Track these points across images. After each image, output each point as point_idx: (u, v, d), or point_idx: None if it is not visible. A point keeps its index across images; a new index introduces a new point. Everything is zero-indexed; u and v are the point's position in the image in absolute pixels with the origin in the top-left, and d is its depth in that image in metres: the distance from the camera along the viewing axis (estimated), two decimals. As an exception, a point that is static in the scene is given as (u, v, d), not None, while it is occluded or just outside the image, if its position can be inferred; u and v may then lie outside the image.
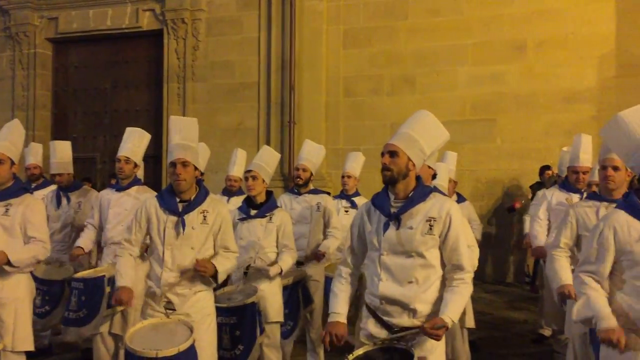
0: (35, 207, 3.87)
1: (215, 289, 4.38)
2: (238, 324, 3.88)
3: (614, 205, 3.00)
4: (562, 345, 4.86)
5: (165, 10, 10.81)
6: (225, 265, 3.51)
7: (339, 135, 10.05)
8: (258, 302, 4.04)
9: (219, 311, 3.88)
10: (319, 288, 5.23)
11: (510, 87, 9.29)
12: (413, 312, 2.82)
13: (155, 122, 11.09)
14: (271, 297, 4.28)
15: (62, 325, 4.79)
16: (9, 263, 3.61)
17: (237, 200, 5.50)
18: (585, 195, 4.82)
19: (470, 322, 5.03)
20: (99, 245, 5.15)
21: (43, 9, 11.68)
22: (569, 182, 5.12)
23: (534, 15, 9.19)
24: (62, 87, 12.09)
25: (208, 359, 3.43)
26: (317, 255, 5.16)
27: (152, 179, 9.62)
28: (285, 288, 4.63)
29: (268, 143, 9.76)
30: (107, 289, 4.43)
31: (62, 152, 5.66)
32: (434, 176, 3.88)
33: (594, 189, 4.38)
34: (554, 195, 5.16)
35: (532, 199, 8.23)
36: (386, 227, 2.88)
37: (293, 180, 5.53)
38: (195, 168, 3.49)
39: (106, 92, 11.73)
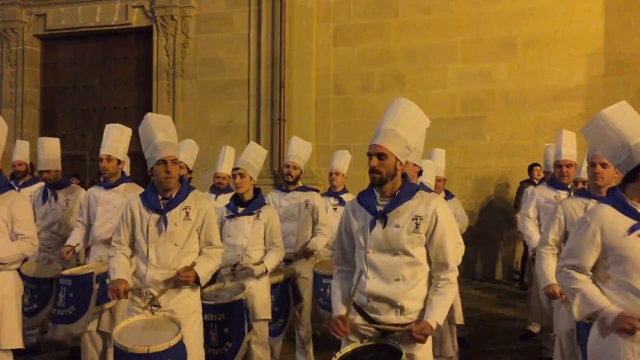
0: (20, 203, 3.84)
1: (203, 286, 4.39)
2: (226, 321, 3.87)
3: None
4: (551, 341, 4.89)
5: (154, 7, 10.76)
6: (206, 268, 3.51)
7: (329, 133, 10.05)
8: (246, 299, 4.04)
9: (207, 308, 3.88)
10: (307, 285, 5.24)
11: (500, 84, 9.33)
12: (400, 309, 2.83)
13: (145, 119, 11.03)
14: (259, 294, 4.28)
15: (50, 322, 4.75)
16: None
17: (225, 198, 5.49)
18: (572, 191, 4.88)
19: (459, 319, 5.05)
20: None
21: (31, 6, 11.59)
22: (556, 179, 5.16)
23: (523, 14, 9.23)
24: (51, 84, 12.00)
25: (194, 356, 3.42)
26: (305, 253, 5.17)
27: (143, 176, 9.57)
28: (275, 286, 4.64)
29: (258, 140, 9.77)
30: (96, 286, 4.41)
31: (50, 148, 5.61)
32: (419, 173, 3.88)
33: (581, 185, 4.42)
34: (543, 193, 5.19)
35: (516, 195, 8.30)
36: (372, 225, 2.88)
37: (283, 178, 5.53)
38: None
39: (95, 90, 11.66)
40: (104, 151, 4.76)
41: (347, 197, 5.83)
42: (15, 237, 3.76)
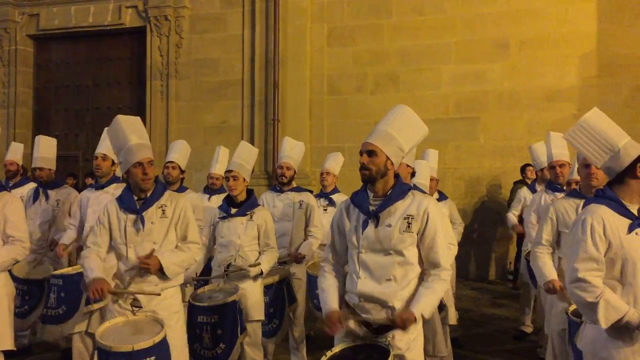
0: (13, 204, 3.82)
1: (196, 287, 4.39)
2: (219, 322, 3.86)
3: None
4: (546, 340, 4.90)
5: (148, 8, 10.73)
6: (173, 258, 3.47)
7: (323, 133, 10.05)
8: (239, 300, 4.02)
9: (200, 310, 3.89)
10: (301, 286, 5.24)
11: (493, 85, 9.35)
12: (391, 309, 2.83)
13: (139, 119, 11.01)
14: (252, 295, 4.27)
15: (40, 323, 4.73)
16: None
17: (219, 198, 5.49)
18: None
19: (452, 319, 5.07)
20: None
21: (24, 5, 11.54)
22: (552, 182, 5.21)
23: (516, 15, 9.25)
24: (44, 84, 11.95)
25: (178, 356, 3.43)
26: (297, 258, 5.16)
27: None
28: (270, 287, 4.64)
29: (252, 141, 9.76)
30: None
31: (47, 147, 5.61)
32: (412, 174, 3.89)
33: (574, 186, 4.44)
34: (542, 198, 5.29)
35: (510, 196, 8.32)
36: (365, 225, 2.89)
37: (277, 179, 5.53)
38: None
39: (88, 90, 11.62)
40: (100, 149, 4.78)
41: (338, 198, 5.84)
42: (7, 238, 3.75)
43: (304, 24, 10.07)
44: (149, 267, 3.38)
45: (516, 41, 9.26)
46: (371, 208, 2.89)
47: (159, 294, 3.40)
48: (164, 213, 3.50)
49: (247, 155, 4.54)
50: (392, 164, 2.87)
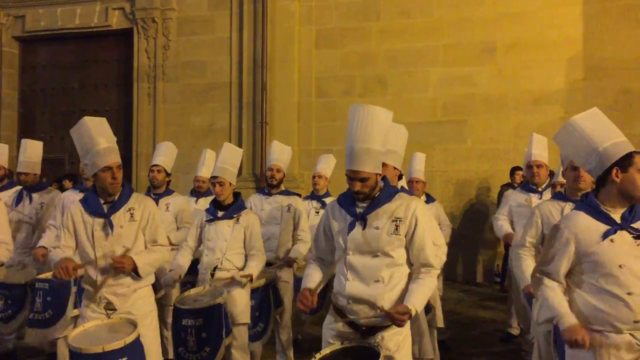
0: (-3, 207, 3.78)
1: (182, 291, 4.36)
2: (204, 325, 3.84)
3: None
4: (530, 344, 4.91)
5: (135, 9, 10.68)
6: (146, 257, 3.47)
7: (311, 136, 10.04)
8: (225, 303, 4.00)
9: (185, 313, 3.86)
10: (288, 290, 5.23)
11: (481, 88, 9.39)
12: (380, 310, 2.85)
13: (125, 122, 10.96)
14: (238, 298, 4.24)
15: (26, 327, 4.68)
16: None
17: (206, 201, 5.46)
18: (543, 194, 5.01)
19: (439, 322, 5.08)
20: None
21: (9, 7, 11.45)
22: (528, 181, 5.25)
23: (503, 18, 9.30)
24: (29, 86, 11.86)
25: (153, 355, 3.43)
26: (288, 263, 5.15)
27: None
28: (256, 290, 4.60)
29: (240, 144, 9.73)
30: (73, 289, 4.35)
31: (33, 151, 5.55)
32: (400, 177, 3.89)
33: (559, 189, 4.46)
34: (515, 197, 5.31)
35: (498, 199, 8.36)
36: (352, 227, 2.90)
37: (266, 181, 5.51)
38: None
39: (75, 92, 11.54)
40: None
41: (330, 201, 5.82)
42: None
43: (292, 26, 10.07)
44: (123, 266, 3.35)
45: (503, 44, 9.31)
46: (358, 210, 2.91)
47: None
48: (132, 216, 3.47)
49: (231, 158, 4.49)
50: (380, 174, 2.88)
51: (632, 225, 2.65)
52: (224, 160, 4.41)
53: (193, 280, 4.70)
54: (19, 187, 5.74)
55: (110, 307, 3.38)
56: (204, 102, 10.51)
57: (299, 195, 5.62)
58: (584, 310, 2.68)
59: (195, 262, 4.64)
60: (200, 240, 4.46)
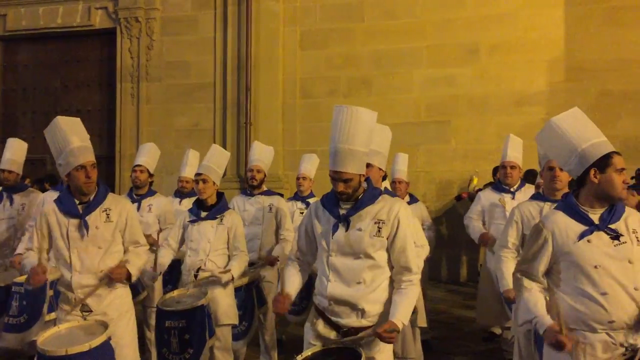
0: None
1: (165, 292, 4.34)
2: (187, 327, 3.82)
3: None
4: (509, 343, 4.96)
5: (118, 9, 10.61)
6: (137, 264, 3.50)
7: (296, 137, 10.04)
8: (208, 304, 3.98)
9: (168, 314, 3.84)
10: (272, 289, 5.21)
11: (464, 89, 9.45)
12: (361, 312, 2.86)
13: (108, 122, 10.88)
14: (222, 299, 4.23)
15: (2, 331, 4.62)
16: None
17: (190, 202, 5.43)
18: (516, 194, 5.08)
19: (422, 322, 5.09)
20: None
21: (-9, 6, 11.32)
22: (500, 181, 5.30)
23: (486, 20, 9.38)
24: (11, 86, 11.70)
25: (130, 357, 3.41)
26: (270, 261, 5.15)
27: (105, 180, 9.39)
28: (239, 289, 4.60)
29: (224, 144, 9.70)
30: (50, 292, 4.30)
31: (18, 150, 5.51)
32: (384, 177, 3.90)
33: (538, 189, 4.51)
34: (488, 196, 5.35)
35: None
36: (335, 228, 2.91)
37: (247, 182, 5.50)
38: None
39: (57, 92, 11.41)
40: None
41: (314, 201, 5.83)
42: None
43: (276, 27, 10.06)
44: (121, 277, 3.38)
45: (486, 46, 9.39)
46: (341, 212, 2.92)
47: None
48: (108, 217, 3.44)
49: (218, 159, 4.49)
50: (363, 175, 2.89)
51: (610, 225, 2.67)
52: (210, 160, 4.41)
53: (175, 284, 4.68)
54: (-1, 188, 5.68)
55: (85, 309, 3.34)
56: (187, 103, 10.46)
57: (281, 195, 5.62)
58: (562, 309, 2.70)
59: (178, 264, 4.62)
60: (182, 241, 4.44)
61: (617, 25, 8.91)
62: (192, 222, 4.37)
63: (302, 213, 5.86)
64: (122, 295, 3.52)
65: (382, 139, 3.57)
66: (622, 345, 2.59)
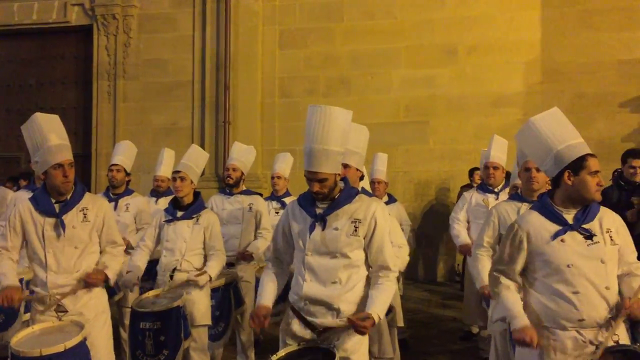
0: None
1: (141, 293, 4.29)
2: (162, 328, 3.78)
3: None
4: (486, 341, 5.00)
5: (94, 6, 10.46)
6: (114, 268, 3.48)
7: (275, 136, 10.01)
8: (183, 305, 3.95)
9: (143, 316, 3.80)
10: (250, 289, 5.19)
11: (442, 90, 9.51)
12: (337, 312, 2.86)
13: (84, 120, 10.74)
14: (198, 300, 4.20)
15: None
16: None
17: (166, 201, 5.37)
18: (500, 195, 5.13)
19: (399, 321, 5.10)
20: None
21: (-36, 1, 11.08)
22: (484, 182, 5.34)
23: (464, 21, 9.45)
24: (-16, 83, 11.50)
25: (106, 357, 3.38)
26: (244, 256, 5.11)
27: (81, 179, 9.26)
28: (216, 290, 4.57)
29: (202, 143, 9.63)
30: (26, 292, 4.22)
31: None
32: (361, 178, 3.91)
33: (516, 190, 4.54)
34: (473, 197, 5.41)
35: (457, 199, 8.49)
36: (312, 228, 2.90)
37: (224, 181, 5.48)
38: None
39: (31, 89, 11.21)
40: None
41: (290, 200, 5.81)
42: None
43: (255, 25, 10.02)
44: (98, 283, 3.36)
45: (464, 47, 9.46)
46: (318, 211, 2.91)
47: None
48: (85, 217, 3.39)
49: (196, 158, 4.48)
50: (339, 174, 2.88)
51: (584, 225, 2.70)
52: (189, 158, 4.39)
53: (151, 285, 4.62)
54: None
55: (61, 309, 3.29)
56: (165, 101, 10.36)
57: (260, 195, 5.61)
58: (535, 307, 2.74)
59: (154, 264, 4.57)
60: (158, 241, 4.39)
61: (591, 29, 9.05)
62: (168, 221, 4.33)
63: (277, 213, 5.83)
64: (98, 295, 3.47)
65: (360, 139, 3.56)
66: (591, 343, 2.63)
